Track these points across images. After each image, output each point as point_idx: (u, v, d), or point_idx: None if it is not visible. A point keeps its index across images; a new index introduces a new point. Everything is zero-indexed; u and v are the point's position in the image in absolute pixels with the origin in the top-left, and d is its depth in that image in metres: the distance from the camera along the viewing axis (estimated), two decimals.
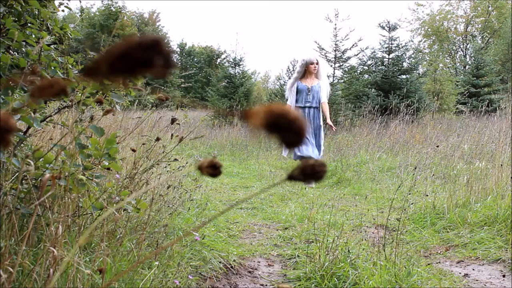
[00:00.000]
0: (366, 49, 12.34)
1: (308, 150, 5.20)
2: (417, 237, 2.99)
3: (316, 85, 5.40)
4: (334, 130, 5.60)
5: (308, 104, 5.38)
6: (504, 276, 2.35)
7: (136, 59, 0.28)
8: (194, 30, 66.35)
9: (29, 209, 1.38)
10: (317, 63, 5.42)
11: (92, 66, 0.30)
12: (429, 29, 31.68)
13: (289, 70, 17.72)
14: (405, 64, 12.29)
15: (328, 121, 5.42)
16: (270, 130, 0.31)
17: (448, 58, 32.05)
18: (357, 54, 12.10)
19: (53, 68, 1.63)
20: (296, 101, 5.43)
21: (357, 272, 2.10)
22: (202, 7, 75.93)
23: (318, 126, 5.40)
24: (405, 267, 2.18)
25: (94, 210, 1.60)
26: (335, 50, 11.51)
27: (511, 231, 2.78)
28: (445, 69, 26.04)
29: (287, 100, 5.52)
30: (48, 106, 2.41)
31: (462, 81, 16.14)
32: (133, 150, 2.01)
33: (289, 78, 20.12)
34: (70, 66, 1.69)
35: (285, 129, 0.31)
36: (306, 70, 5.41)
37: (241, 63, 13.92)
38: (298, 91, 5.42)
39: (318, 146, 5.38)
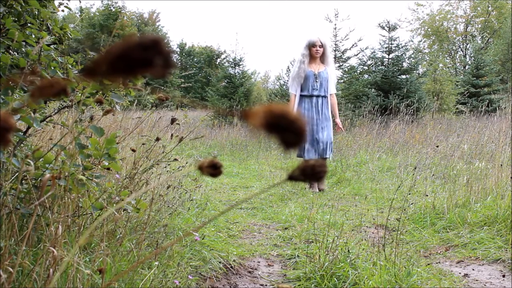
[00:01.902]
0: (366, 49, 12.37)
1: (310, 155, 4.66)
2: (417, 237, 2.99)
3: (324, 71, 4.68)
4: (342, 131, 4.91)
5: (315, 93, 4.66)
6: (504, 276, 2.35)
7: (136, 59, 0.28)
8: (194, 30, 66.41)
9: (29, 209, 1.38)
10: (320, 46, 4.66)
11: (91, 66, 0.30)
12: (429, 29, 31.70)
13: (289, 70, 17.72)
14: (405, 64, 12.30)
15: (337, 119, 4.78)
16: (270, 130, 0.31)
17: (448, 58, 32.07)
18: (357, 54, 12.12)
19: (53, 68, 1.63)
20: (302, 89, 4.71)
21: (357, 272, 2.10)
22: (202, 7, 75.99)
23: (326, 118, 4.72)
24: (405, 267, 2.18)
25: (94, 210, 1.60)
26: (335, 50, 11.53)
27: (511, 231, 2.78)
28: (445, 69, 26.04)
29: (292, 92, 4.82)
30: (48, 106, 2.41)
31: (462, 81, 16.15)
32: (133, 150, 2.01)
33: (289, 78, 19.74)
34: (70, 66, 1.69)
35: (285, 130, 0.31)
36: (310, 54, 4.73)
37: (241, 63, 13.93)
38: (303, 78, 4.71)
39: (327, 144, 4.71)
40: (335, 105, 4.77)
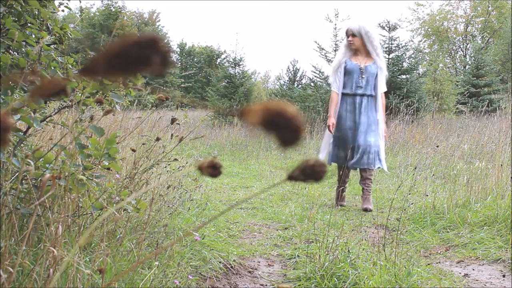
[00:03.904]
0: None
1: (352, 164, 3.90)
2: (417, 237, 2.99)
3: (372, 65, 3.85)
4: (387, 136, 3.89)
5: (360, 91, 3.84)
6: (504, 276, 2.35)
7: (133, 57, 0.29)
8: (194, 30, 66.46)
9: (29, 209, 1.38)
10: (353, 35, 3.84)
11: (89, 64, 0.30)
12: (429, 29, 31.70)
13: (289, 70, 17.66)
14: (405, 64, 12.28)
15: (381, 122, 3.89)
16: (267, 128, 0.31)
17: (448, 58, 32.08)
18: None
19: (53, 68, 1.63)
20: (344, 85, 3.89)
21: (357, 272, 2.10)
22: (202, 7, 76.05)
23: (374, 121, 3.88)
24: (405, 267, 2.18)
25: (94, 210, 1.60)
26: (335, 50, 11.53)
27: (511, 231, 2.78)
28: (445, 69, 26.03)
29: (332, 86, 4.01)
30: (48, 106, 2.41)
31: (462, 81, 16.16)
32: (133, 150, 2.02)
33: (290, 77, 19.23)
34: (70, 66, 1.69)
35: (282, 127, 0.31)
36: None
37: (241, 63, 13.95)
38: (346, 72, 3.86)
39: (374, 152, 3.85)
40: (381, 106, 3.91)
